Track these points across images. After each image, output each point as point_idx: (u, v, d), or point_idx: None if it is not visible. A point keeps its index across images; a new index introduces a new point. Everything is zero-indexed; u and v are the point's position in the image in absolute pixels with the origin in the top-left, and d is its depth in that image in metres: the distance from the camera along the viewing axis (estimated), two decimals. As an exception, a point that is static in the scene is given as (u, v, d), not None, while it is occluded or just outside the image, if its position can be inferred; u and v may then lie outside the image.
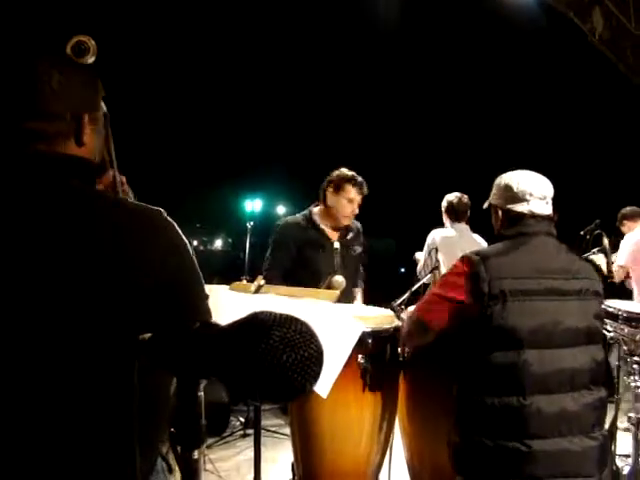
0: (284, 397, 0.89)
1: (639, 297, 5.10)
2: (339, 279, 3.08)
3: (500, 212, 2.38)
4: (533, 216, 2.29)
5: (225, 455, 4.21)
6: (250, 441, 4.33)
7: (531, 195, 2.29)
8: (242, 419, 4.70)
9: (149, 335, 0.96)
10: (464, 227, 4.93)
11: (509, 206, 2.33)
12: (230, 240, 23.08)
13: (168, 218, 1.31)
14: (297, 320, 0.91)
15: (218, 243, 23.19)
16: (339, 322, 2.26)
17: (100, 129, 1.41)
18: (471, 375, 2.20)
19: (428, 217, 5.42)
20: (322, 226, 3.74)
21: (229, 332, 0.91)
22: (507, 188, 2.34)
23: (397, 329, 2.64)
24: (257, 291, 2.52)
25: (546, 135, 13.97)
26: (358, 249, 3.89)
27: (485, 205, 2.51)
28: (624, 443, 3.69)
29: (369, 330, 2.47)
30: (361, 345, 2.37)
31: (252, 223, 5.80)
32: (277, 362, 0.86)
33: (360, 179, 3.72)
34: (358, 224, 3.96)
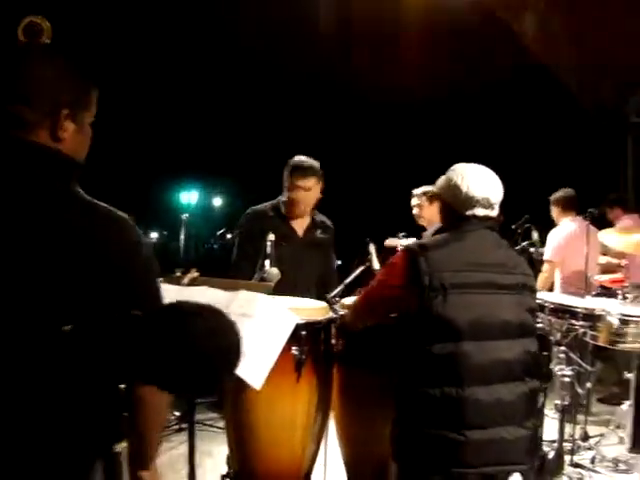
0: (201, 387, 0.89)
1: (561, 289, 5.22)
2: (274, 271, 3.05)
3: (444, 206, 2.41)
4: (475, 217, 2.31)
5: (159, 450, 4.14)
6: (185, 435, 4.27)
7: (477, 202, 2.29)
8: (177, 413, 4.65)
9: (70, 327, 0.94)
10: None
11: (453, 206, 2.35)
12: (165, 232, 22.75)
13: (131, 222, 1.35)
14: (216, 310, 0.90)
15: (153, 235, 22.79)
16: (273, 314, 2.26)
17: (86, 130, 1.41)
18: (412, 367, 2.22)
19: (361, 210, 5.46)
20: (288, 217, 3.69)
21: (149, 321, 0.90)
22: (456, 188, 2.32)
23: (331, 321, 2.67)
24: (191, 284, 2.50)
25: (474, 129, 14.24)
26: (326, 243, 3.85)
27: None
28: (550, 429, 3.84)
29: (303, 322, 2.48)
30: (295, 337, 2.39)
31: (187, 215, 5.72)
32: (197, 350, 0.85)
33: (304, 165, 3.61)
34: (327, 221, 3.88)
